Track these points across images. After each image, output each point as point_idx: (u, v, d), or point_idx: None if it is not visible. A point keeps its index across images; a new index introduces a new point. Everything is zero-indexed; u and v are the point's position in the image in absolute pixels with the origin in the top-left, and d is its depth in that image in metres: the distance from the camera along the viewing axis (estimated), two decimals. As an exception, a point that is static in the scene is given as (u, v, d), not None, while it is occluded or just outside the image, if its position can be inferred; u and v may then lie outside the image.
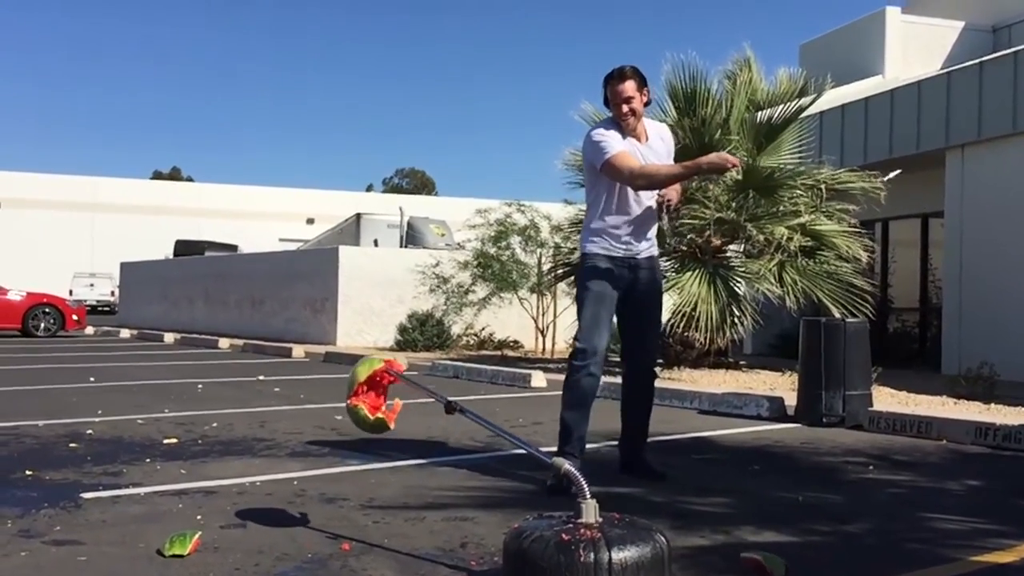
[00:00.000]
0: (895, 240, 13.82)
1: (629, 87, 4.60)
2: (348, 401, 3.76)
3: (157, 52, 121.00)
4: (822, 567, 3.39)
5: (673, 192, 4.81)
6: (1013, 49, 11.45)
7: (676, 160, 5.02)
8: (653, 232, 4.87)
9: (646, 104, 4.71)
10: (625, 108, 4.61)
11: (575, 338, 4.80)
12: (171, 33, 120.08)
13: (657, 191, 4.72)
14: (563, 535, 2.78)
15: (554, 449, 4.81)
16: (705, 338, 10.34)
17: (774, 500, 4.49)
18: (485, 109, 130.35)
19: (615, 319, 4.89)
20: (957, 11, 17.04)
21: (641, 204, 4.73)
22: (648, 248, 4.82)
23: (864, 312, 9.66)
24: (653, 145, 4.78)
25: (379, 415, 3.76)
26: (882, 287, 13.47)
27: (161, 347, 16.98)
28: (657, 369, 5.15)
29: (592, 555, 2.70)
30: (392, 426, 3.81)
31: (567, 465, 3.13)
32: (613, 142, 4.63)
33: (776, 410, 7.53)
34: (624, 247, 4.74)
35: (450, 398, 3.66)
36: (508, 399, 8.66)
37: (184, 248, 28.46)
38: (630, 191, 4.69)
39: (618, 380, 5.18)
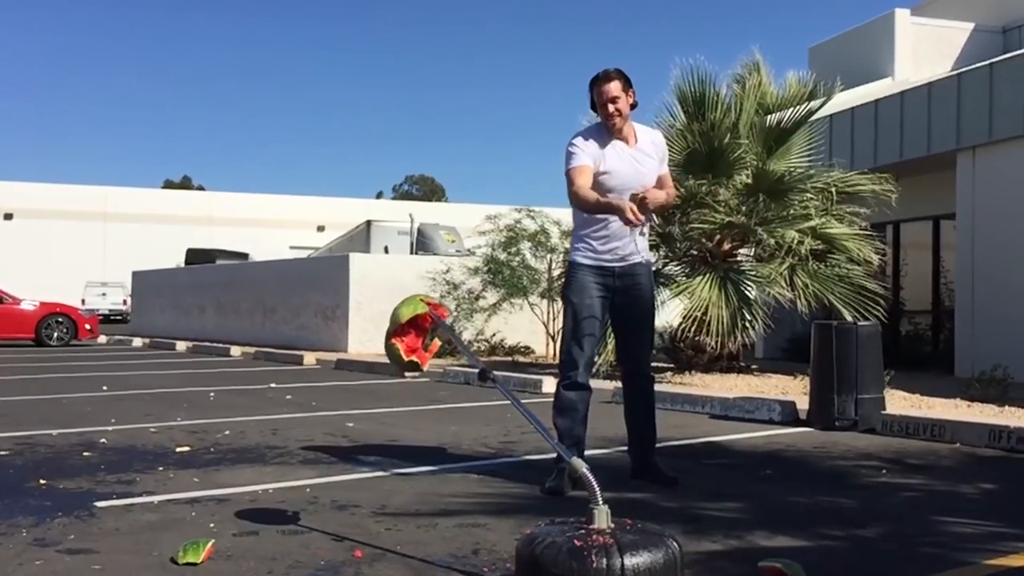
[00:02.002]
0: (906, 243, 13.77)
1: (614, 87, 4.60)
2: (389, 339, 3.84)
3: (166, 62, 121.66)
4: (836, 572, 3.38)
5: (654, 193, 4.62)
6: (1023, 50, 11.41)
7: (682, 165, 5.03)
8: (644, 239, 4.81)
9: (633, 106, 4.70)
10: (611, 108, 4.60)
11: (560, 349, 4.83)
12: (180, 43, 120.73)
13: (640, 192, 4.60)
14: (575, 541, 2.78)
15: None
16: (716, 342, 10.32)
17: (787, 505, 4.48)
18: (494, 115, 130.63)
19: (608, 325, 4.91)
20: (967, 12, 16.98)
21: None
22: (635, 255, 4.76)
23: (876, 315, 9.62)
24: (643, 147, 4.74)
25: (412, 358, 3.84)
26: (894, 290, 13.42)
27: (173, 355, 17.04)
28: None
29: (604, 561, 2.70)
30: (425, 367, 3.89)
31: (584, 469, 3.13)
32: (580, 154, 4.61)
33: (788, 414, 7.51)
34: (608, 255, 4.73)
35: (481, 367, 3.70)
36: (519, 405, 8.66)
37: (195, 256, 28.56)
38: (614, 195, 4.62)
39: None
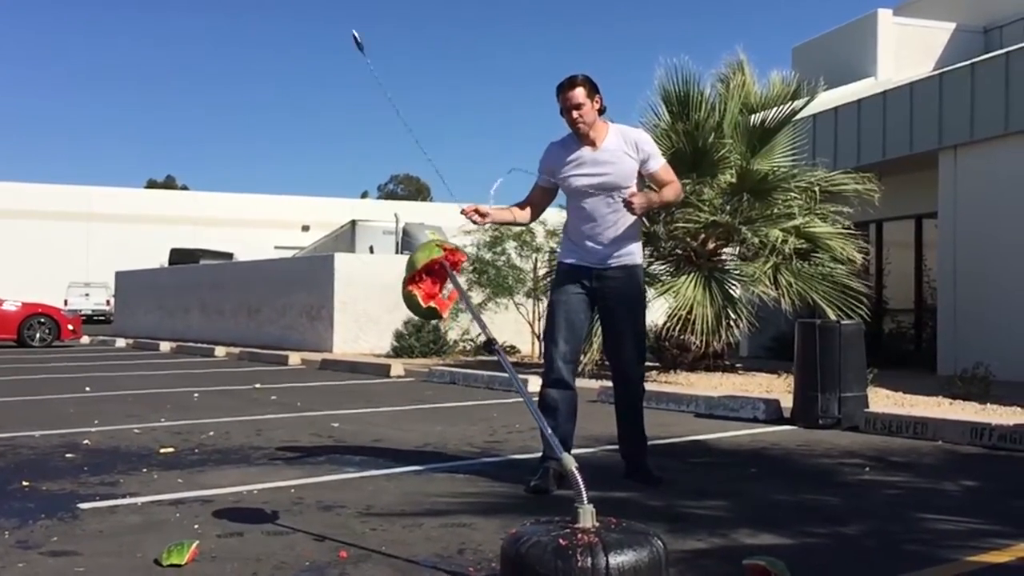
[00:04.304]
0: (889, 241, 13.86)
1: (578, 94, 4.64)
2: (406, 286, 3.80)
3: (149, 60, 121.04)
4: (820, 569, 3.39)
5: (638, 197, 4.63)
6: (1004, 50, 11.50)
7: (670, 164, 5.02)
8: (628, 242, 4.78)
9: (601, 111, 4.72)
10: (575, 114, 4.65)
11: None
12: (165, 41, 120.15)
13: (622, 198, 4.64)
14: (560, 540, 2.78)
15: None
16: (701, 341, 10.35)
17: (771, 503, 4.50)
18: (479, 115, 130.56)
19: (594, 326, 4.93)
20: (948, 13, 17.10)
21: (602, 215, 4.71)
22: (617, 258, 4.76)
23: (859, 314, 9.68)
24: (610, 149, 4.72)
25: (431, 304, 3.80)
26: (877, 288, 13.50)
27: (157, 356, 16.96)
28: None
29: (589, 560, 2.70)
30: (445, 315, 3.85)
31: (573, 466, 3.14)
32: (538, 175, 4.87)
33: (772, 413, 7.54)
34: (588, 257, 4.77)
35: (489, 336, 3.76)
36: (505, 404, 8.67)
37: (179, 256, 28.43)
38: (587, 204, 4.73)
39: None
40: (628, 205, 4.58)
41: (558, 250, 13.13)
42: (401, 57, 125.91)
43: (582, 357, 9.49)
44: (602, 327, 4.94)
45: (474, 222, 4.58)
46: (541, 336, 14.99)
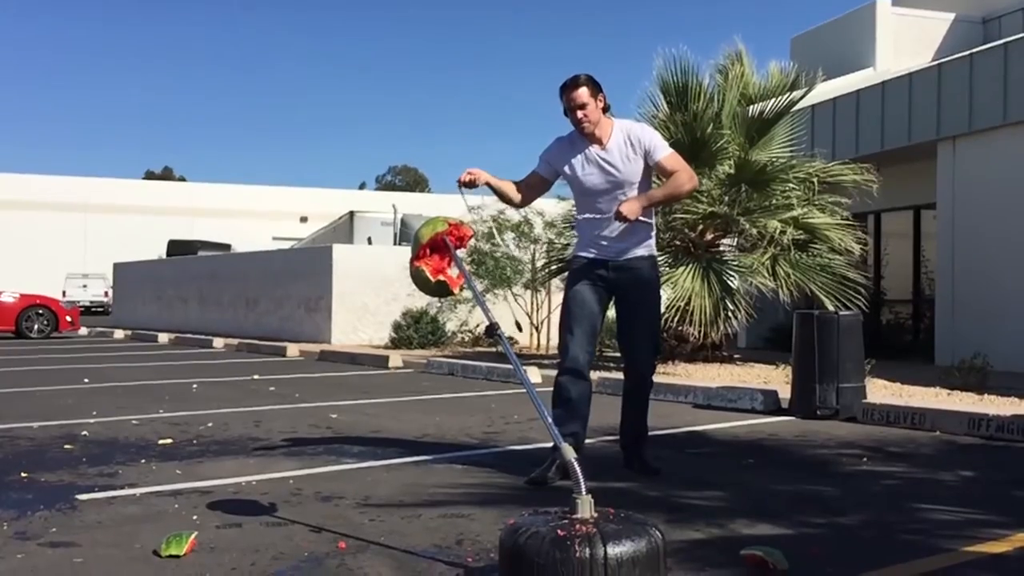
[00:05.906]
0: (888, 232, 13.85)
1: (583, 94, 4.63)
2: (412, 263, 3.76)
3: (147, 51, 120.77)
4: (817, 559, 3.40)
5: (626, 205, 4.54)
6: (1003, 40, 11.48)
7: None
8: (640, 233, 4.76)
9: (605, 110, 4.72)
10: (580, 114, 4.65)
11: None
12: (160, 32, 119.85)
13: (617, 207, 4.58)
14: (559, 531, 2.79)
15: (549, 444, 4.82)
16: (699, 332, 10.36)
17: (769, 493, 4.50)
18: (478, 105, 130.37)
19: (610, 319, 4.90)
20: (947, 3, 17.07)
21: (607, 209, 4.70)
22: (631, 250, 4.75)
23: (857, 304, 9.68)
24: (610, 147, 4.71)
25: (441, 278, 3.76)
26: (875, 279, 13.50)
27: (155, 347, 16.95)
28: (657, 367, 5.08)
29: (587, 550, 2.71)
30: (456, 291, 3.81)
31: (572, 457, 3.14)
32: (539, 163, 4.87)
33: (770, 403, 7.54)
34: (598, 249, 4.78)
35: (492, 321, 3.69)
36: (503, 395, 8.68)
37: (177, 248, 28.41)
38: (597, 202, 4.74)
39: (617, 376, 5.19)
40: (618, 216, 4.52)
41: (556, 241, 13.15)
42: (398, 41, 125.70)
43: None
44: (617, 319, 4.91)
45: (469, 184, 4.50)
46: (539, 327, 15.08)
